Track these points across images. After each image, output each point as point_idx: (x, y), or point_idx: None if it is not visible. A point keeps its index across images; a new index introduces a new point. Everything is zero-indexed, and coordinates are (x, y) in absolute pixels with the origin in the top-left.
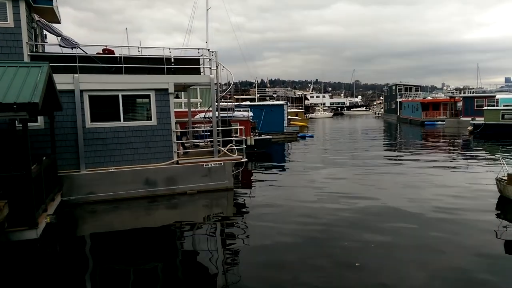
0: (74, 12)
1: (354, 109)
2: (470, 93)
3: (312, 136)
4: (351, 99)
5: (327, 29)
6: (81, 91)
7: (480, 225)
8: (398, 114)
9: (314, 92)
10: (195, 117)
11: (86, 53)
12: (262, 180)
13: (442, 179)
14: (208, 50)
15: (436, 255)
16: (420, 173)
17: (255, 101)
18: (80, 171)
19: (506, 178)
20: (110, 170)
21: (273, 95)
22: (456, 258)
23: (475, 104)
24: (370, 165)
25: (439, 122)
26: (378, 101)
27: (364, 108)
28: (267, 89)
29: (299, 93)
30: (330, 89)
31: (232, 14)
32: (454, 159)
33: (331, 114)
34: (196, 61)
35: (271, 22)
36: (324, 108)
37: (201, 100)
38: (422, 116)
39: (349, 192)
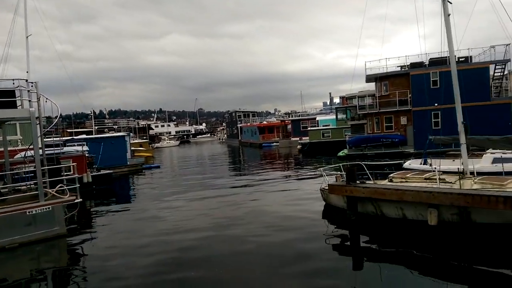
0: None
1: (199, 136)
2: (297, 117)
3: (158, 167)
4: (196, 126)
5: (165, 59)
6: None
7: (309, 229)
8: (240, 138)
9: (158, 122)
10: (15, 156)
11: None
12: (102, 221)
13: (279, 194)
14: (26, 80)
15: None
16: (257, 190)
17: (92, 134)
18: None
19: (327, 188)
20: None
21: (113, 127)
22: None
23: (301, 125)
24: (218, 193)
25: (274, 144)
26: (221, 127)
27: (209, 135)
28: (106, 121)
29: (142, 123)
30: (175, 117)
31: (56, 42)
32: (288, 175)
33: (178, 142)
34: (11, 93)
35: (103, 51)
36: (170, 137)
37: (21, 137)
38: (260, 139)
39: (196, 225)
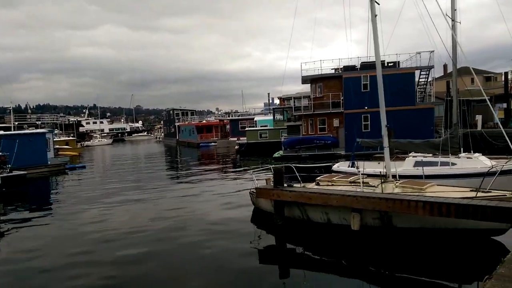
0: None
1: (135, 134)
2: (236, 116)
3: (84, 167)
4: (132, 124)
5: (97, 52)
6: None
7: (236, 234)
8: (177, 137)
9: (90, 118)
10: None
11: None
12: (8, 229)
13: (210, 197)
14: None
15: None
16: (188, 193)
17: (11, 130)
18: None
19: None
20: None
21: (36, 122)
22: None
23: (240, 125)
24: (142, 197)
25: (212, 143)
26: (159, 126)
27: (145, 133)
28: (28, 116)
29: (72, 119)
30: (109, 114)
31: None
32: (222, 177)
33: (111, 140)
34: None
35: (28, 39)
36: (103, 134)
37: None
38: (198, 139)
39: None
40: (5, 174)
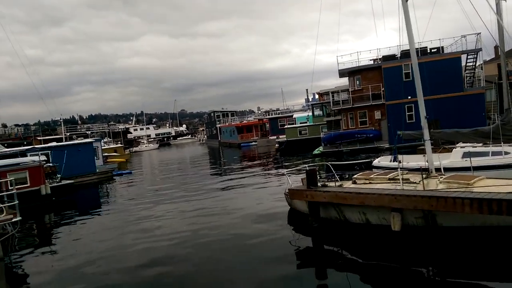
0: None
1: (180, 138)
2: (275, 114)
3: (130, 173)
4: (177, 128)
5: (142, 61)
6: None
7: (273, 236)
8: (219, 139)
9: (138, 125)
10: None
11: None
12: (55, 238)
13: (250, 196)
14: None
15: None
16: (228, 195)
17: (63, 141)
18: None
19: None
20: None
21: (86, 132)
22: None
23: (279, 124)
24: (196, 199)
25: (253, 143)
26: (201, 128)
27: (190, 136)
28: (78, 126)
29: (121, 127)
30: (155, 119)
31: (26, 47)
32: (263, 176)
33: (157, 145)
34: None
35: (76, 54)
36: (150, 139)
37: None
38: (239, 139)
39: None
40: (54, 184)
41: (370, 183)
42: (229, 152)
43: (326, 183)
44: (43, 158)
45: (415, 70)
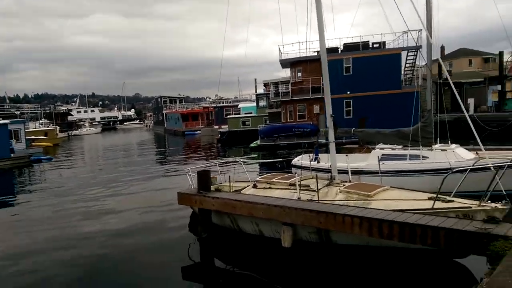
0: None
1: (127, 122)
2: (223, 103)
3: (50, 159)
4: (124, 112)
5: (91, 40)
6: None
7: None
8: (165, 125)
9: (81, 107)
10: None
11: None
12: None
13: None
14: None
15: None
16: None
17: None
18: None
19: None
20: None
21: (15, 113)
22: None
23: (225, 113)
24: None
25: (197, 132)
26: (149, 114)
27: (138, 121)
28: (6, 106)
29: (63, 108)
30: (108, 102)
31: None
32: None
33: (100, 129)
34: None
35: (20, 29)
36: (94, 123)
37: None
38: (183, 127)
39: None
40: None
41: (270, 188)
42: (172, 140)
43: (220, 187)
44: None
45: (323, 64)
